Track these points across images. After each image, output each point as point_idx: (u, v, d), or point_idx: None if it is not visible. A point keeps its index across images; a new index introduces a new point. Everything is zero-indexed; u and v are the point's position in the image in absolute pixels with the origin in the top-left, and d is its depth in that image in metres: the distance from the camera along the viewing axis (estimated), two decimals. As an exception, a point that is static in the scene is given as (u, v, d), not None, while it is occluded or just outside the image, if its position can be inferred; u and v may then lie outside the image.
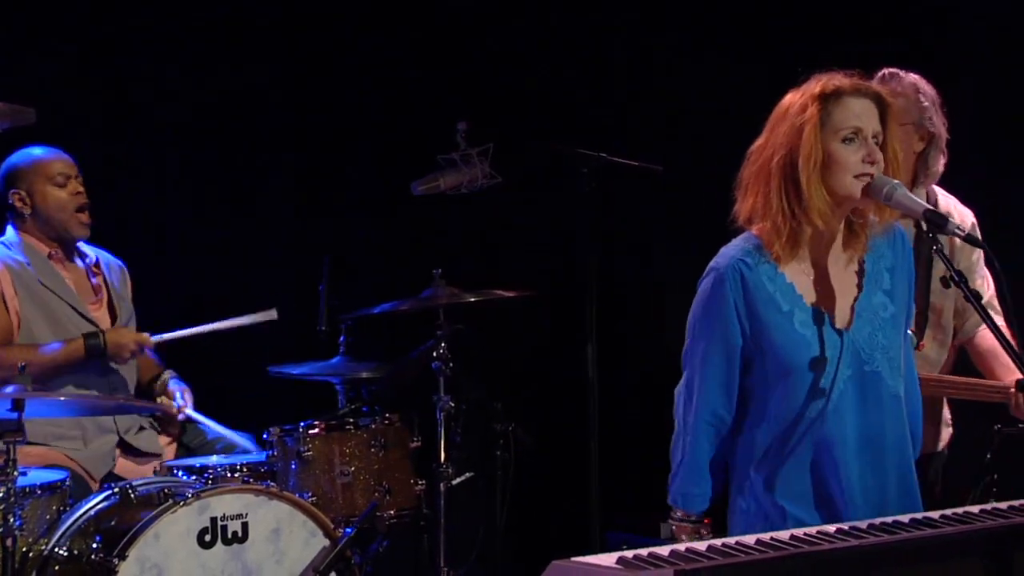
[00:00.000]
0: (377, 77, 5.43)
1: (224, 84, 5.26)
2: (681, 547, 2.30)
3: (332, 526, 3.91)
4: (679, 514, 2.86)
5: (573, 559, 2.29)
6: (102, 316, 4.34)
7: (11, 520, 3.47)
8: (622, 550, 2.54)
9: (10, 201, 4.25)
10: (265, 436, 4.19)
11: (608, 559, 2.26)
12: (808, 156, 2.68)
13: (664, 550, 2.28)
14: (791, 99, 2.77)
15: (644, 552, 2.28)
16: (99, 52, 5.01)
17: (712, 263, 2.78)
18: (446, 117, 4.98)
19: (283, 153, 5.35)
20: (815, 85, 2.74)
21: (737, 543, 2.32)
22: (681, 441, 2.85)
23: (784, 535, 2.39)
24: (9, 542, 3.46)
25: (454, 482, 4.35)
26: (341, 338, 4.66)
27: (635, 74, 5.39)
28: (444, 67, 5.40)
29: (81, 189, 4.27)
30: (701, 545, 2.32)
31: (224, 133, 5.28)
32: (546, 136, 4.90)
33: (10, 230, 4.31)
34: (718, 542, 2.34)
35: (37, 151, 4.28)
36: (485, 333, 4.80)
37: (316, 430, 4.19)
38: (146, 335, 4.26)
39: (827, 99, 2.70)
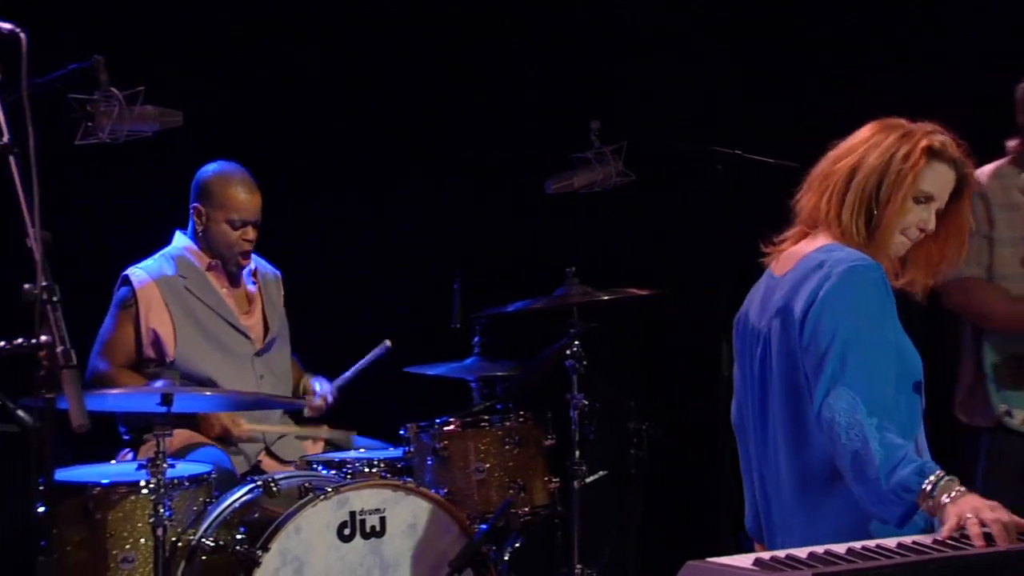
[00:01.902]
0: (511, 76, 5.46)
1: (355, 83, 5.36)
2: (819, 549, 2.29)
3: (467, 522, 3.95)
4: (930, 480, 2.43)
5: (708, 559, 2.28)
6: (254, 325, 4.42)
7: (161, 511, 3.58)
8: (757, 551, 2.54)
9: (192, 206, 4.35)
10: (402, 432, 4.25)
11: (744, 560, 2.25)
12: (898, 208, 2.69)
13: (802, 552, 2.27)
14: (892, 135, 2.73)
15: (781, 554, 2.26)
16: (235, 56, 5.14)
17: (857, 259, 2.65)
18: (580, 116, 4.99)
19: (418, 153, 5.42)
20: (923, 136, 2.72)
21: (878, 546, 2.29)
22: (874, 438, 2.48)
23: (926, 539, 2.35)
24: (160, 532, 3.57)
25: (588, 480, 4.36)
26: (475, 336, 4.71)
27: (770, 72, 5.33)
28: (578, 66, 5.41)
29: (252, 237, 4.33)
30: (840, 547, 2.29)
31: (358, 133, 5.37)
32: (681, 133, 4.87)
33: (178, 236, 4.40)
34: (858, 545, 2.31)
35: (236, 186, 4.29)
36: (618, 331, 4.80)
37: (452, 427, 4.23)
38: (241, 424, 4.27)
39: (931, 156, 2.71)
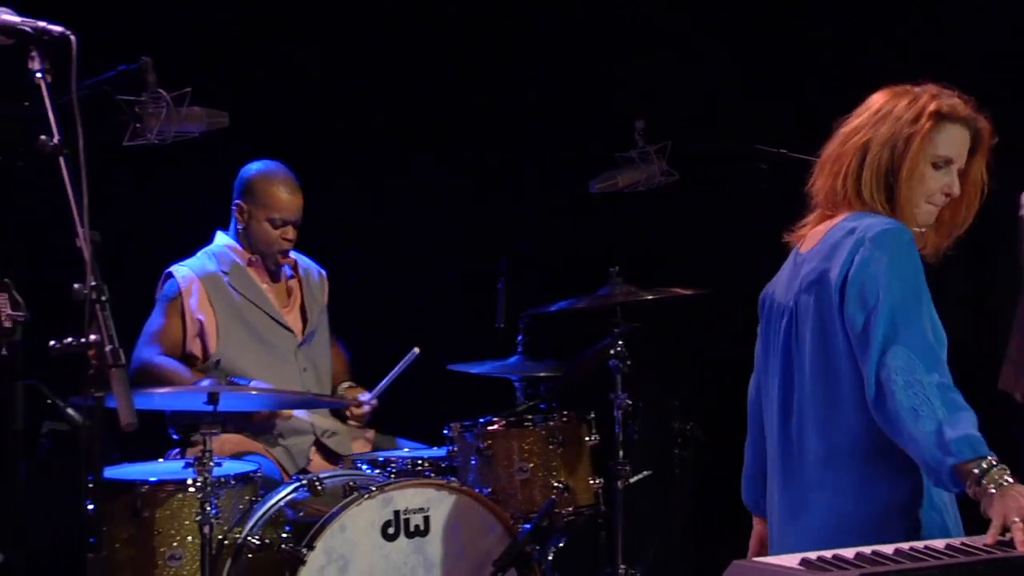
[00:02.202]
0: (556, 75, 5.46)
1: (398, 83, 5.37)
2: (867, 549, 2.27)
3: (511, 522, 3.95)
4: (981, 466, 2.37)
5: (754, 559, 2.28)
6: (294, 319, 4.46)
7: (208, 509, 3.61)
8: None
9: (235, 203, 4.40)
10: (446, 432, 4.26)
11: (791, 560, 2.24)
12: (912, 170, 2.65)
13: (848, 552, 2.25)
14: (900, 102, 2.70)
15: (828, 554, 2.25)
16: (281, 57, 5.17)
17: (889, 222, 2.60)
18: (624, 115, 4.98)
19: (462, 151, 5.43)
20: (930, 100, 2.69)
21: (926, 547, 2.27)
22: (935, 396, 2.42)
23: (975, 540, 2.33)
24: (206, 530, 3.61)
25: (631, 480, 4.36)
26: (519, 335, 4.71)
27: (815, 69, 5.30)
28: (622, 65, 5.41)
29: (292, 236, 4.36)
30: (888, 548, 2.28)
31: (402, 133, 5.39)
32: (724, 132, 4.86)
33: (219, 235, 4.44)
34: (905, 546, 2.30)
35: (279, 185, 4.33)
36: (662, 331, 4.78)
37: (495, 426, 4.24)
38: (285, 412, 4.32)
39: (939, 119, 2.67)
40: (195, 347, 4.29)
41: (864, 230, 2.59)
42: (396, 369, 4.38)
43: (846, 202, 2.70)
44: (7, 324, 2.47)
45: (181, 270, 4.33)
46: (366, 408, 4.43)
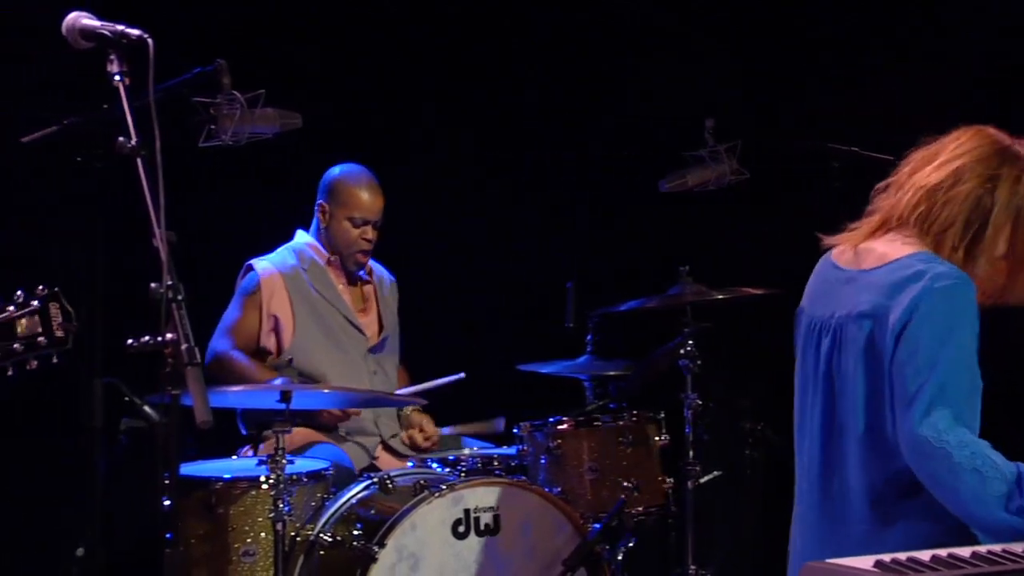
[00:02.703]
0: (626, 75, 5.45)
1: (469, 84, 5.39)
2: (942, 552, 2.24)
3: (581, 521, 3.95)
4: None
5: (828, 561, 2.25)
6: (369, 323, 4.50)
7: (281, 506, 3.65)
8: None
9: (317, 203, 4.45)
10: (515, 431, 4.27)
11: (865, 562, 2.22)
12: (1006, 237, 2.63)
13: (925, 555, 2.23)
14: (1007, 161, 2.65)
15: (903, 556, 2.23)
16: (354, 58, 5.21)
17: (957, 276, 2.56)
18: (694, 114, 4.97)
19: (532, 152, 5.44)
20: None
21: (1004, 550, 2.24)
22: (994, 457, 2.48)
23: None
24: (279, 526, 3.64)
25: (702, 480, 4.34)
26: (588, 335, 4.71)
27: (890, 66, 5.25)
28: (693, 64, 5.39)
29: (371, 237, 4.42)
30: (964, 551, 2.25)
31: (473, 134, 5.41)
32: (796, 131, 4.82)
33: (300, 233, 4.50)
34: (983, 549, 2.27)
35: (361, 186, 4.39)
36: (732, 331, 4.76)
37: (565, 426, 4.24)
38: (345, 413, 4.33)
39: None
40: (269, 342, 4.34)
41: (933, 279, 2.54)
42: (438, 381, 4.38)
43: (919, 228, 2.64)
44: (59, 334, 2.50)
45: (262, 263, 4.38)
46: (429, 443, 4.45)
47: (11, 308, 2.47)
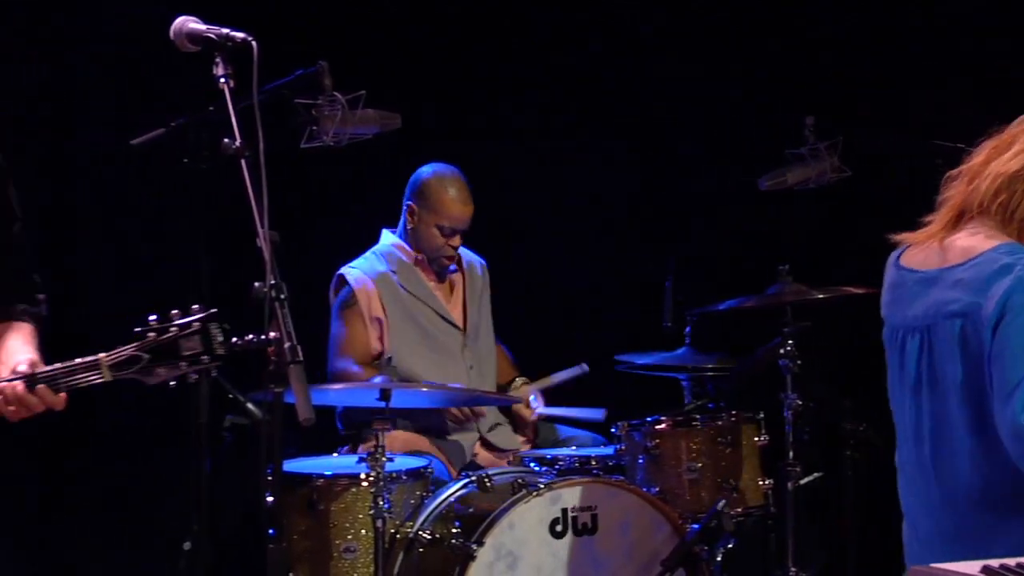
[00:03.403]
0: (726, 72, 5.42)
1: (565, 82, 5.39)
2: (1054, 559, 2.19)
3: (679, 521, 3.93)
4: None
5: (933, 565, 2.22)
6: (458, 315, 4.53)
7: (381, 503, 3.69)
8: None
9: (406, 203, 4.46)
10: (613, 430, 4.26)
11: (971, 567, 2.18)
12: None
13: (1036, 561, 2.18)
14: None
15: (1011, 562, 2.18)
16: (452, 59, 5.24)
17: None
18: (794, 111, 4.91)
19: (630, 148, 5.43)
20: None
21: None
22: None
23: None
24: (379, 523, 3.68)
25: (802, 482, 4.29)
26: (686, 335, 4.68)
27: (987, 62, 5.14)
28: (793, 60, 5.33)
29: (457, 244, 4.43)
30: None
31: (571, 130, 5.41)
32: (899, 128, 4.75)
33: (386, 234, 4.52)
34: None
35: (452, 194, 4.37)
36: (833, 330, 4.70)
37: (663, 425, 4.22)
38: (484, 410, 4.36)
39: None
40: (378, 346, 4.39)
41: (1022, 271, 2.46)
42: (561, 374, 4.38)
43: (1002, 223, 2.57)
44: (220, 352, 2.57)
45: (352, 273, 4.42)
46: (534, 417, 4.46)
47: (174, 329, 2.56)
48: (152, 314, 2.58)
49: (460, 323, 4.50)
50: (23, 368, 2.61)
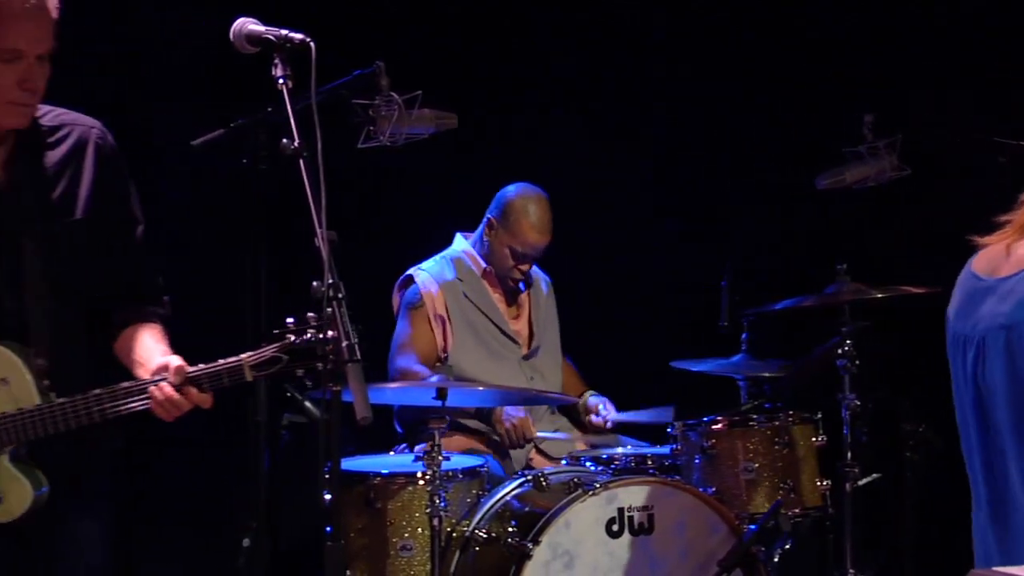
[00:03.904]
0: (782, 70, 5.39)
1: (622, 82, 5.39)
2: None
3: (736, 522, 3.92)
4: None
5: (995, 568, 2.20)
6: (520, 330, 4.53)
7: (437, 501, 3.70)
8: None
9: (488, 215, 4.46)
10: (670, 430, 4.25)
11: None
12: None
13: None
14: None
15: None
16: (510, 60, 5.25)
17: None
18: (852, 109, 4.87)
19: (687, 148, 5.41)
20: None
21: None
22: None
23: None
24: (435, 522, 3.69)
25: (860, 483, 4.25)
26: (743, 334, 4.66)
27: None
28: (851, 57, 5.29)
29: (527, 269, 4.43)
30: None
31: (626, 131, 5.40)
32: (960, 125, 4.69)
33: (459, 239, 4.54)
34: None
35: (533, 222, 4.34)
36: (892, 330, 4.65)
37: (719, 425, 4.20)
38: (532, 429, 4.33)
39: None
40: (439, 347, 4.40)
41: None
42: (646, 414, 4.37)
43: None
44: (356, 355, 2.63)
45: (421, 275, 4.44)
46: (598, 421, 4.46)
47: (311, 330, 2.63)
48: (289, 316, 2.65)
49: (524, 341, 4.50)
50: (171, 369, 2.67)
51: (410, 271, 4.46)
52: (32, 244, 2.74)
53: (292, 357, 2.63)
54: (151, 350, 2.80)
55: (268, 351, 2.63)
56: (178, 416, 2.70)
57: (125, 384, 2.70)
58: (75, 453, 2.78)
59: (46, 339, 2.74)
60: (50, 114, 2.84)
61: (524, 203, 4.38)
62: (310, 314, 2.64)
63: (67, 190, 2.81)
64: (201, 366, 2.68)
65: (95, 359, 2.88)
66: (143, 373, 2.75)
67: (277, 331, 2.65)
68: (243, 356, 2.65)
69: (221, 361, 2.66)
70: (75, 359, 2.81)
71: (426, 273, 4.43)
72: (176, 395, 2.66)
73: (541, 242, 4.38)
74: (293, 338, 2.63)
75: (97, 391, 2.69)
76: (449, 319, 4.39)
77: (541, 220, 4.37)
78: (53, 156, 2.81)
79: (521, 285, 4.54)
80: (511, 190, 4.43)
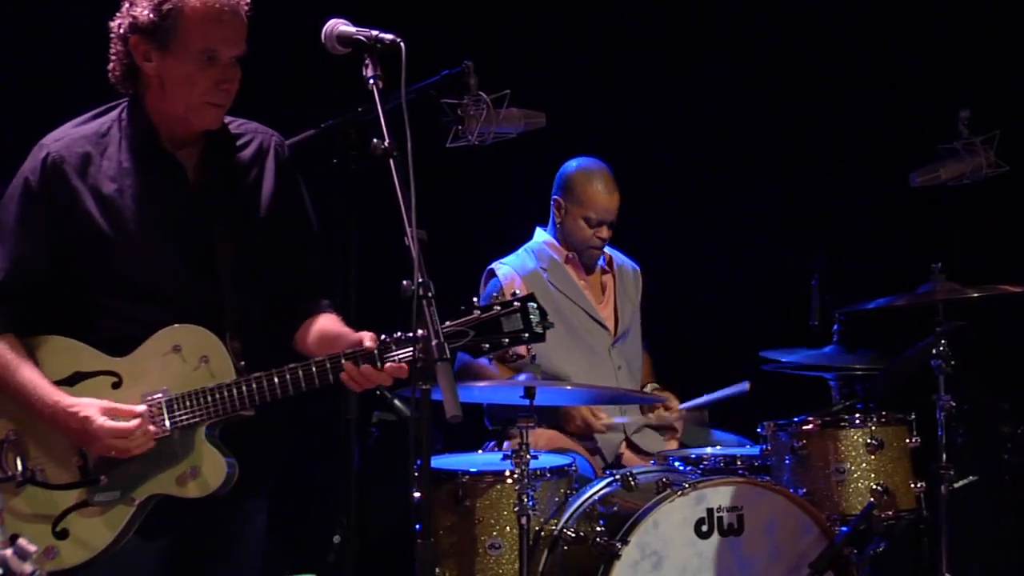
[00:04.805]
0: (875, 66, 5.32)
1: (715, 82, 5.35)
2: None
3: (828, 523, 3.87)
4: None
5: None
6: (607, 316, 4.53)
7: (525, 500, 3.70)
8: None
9: (553, 198, 4.52)
10: (759, 430, 4.21)
11: None
12: None
13: None
14: None
15: None
16: (595, 59, 5.24)
17: None
18: (948, 105, 4.78)
19: (778, 144, 5.36)
20: None
21: None
22: None
23: None
24: (524, 520, 3.69)
25: (956, 485, 4.18)
26: (834, 333, 4.60)
27: None
28: (945, 53, 5.20)
29: (605, 235, 4.46)
30: None
31: (714, 129, 5.37)
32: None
33: (538, 232, 4.57)
34: None
35: (597, 185, 4.42)
36: (988, 330, 4.57)
37: (810, 426, 4.15)
38: (601, 417, 4.33)
39: None
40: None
41: None
42: (720, 393, 4.34)
43: None
44: (539, 330, 2.73)
45: (503, 268, 4.46)
46: (675, 416, 4.43)
47: (497, 307, 2.74)
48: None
49: (611, 324, 4.50)
50: (366, 343, 2.78)
51: (492, 265, 4.49)
52: (223, 238, 2.89)
53: (477, 332, 2.73)
54: (339, 331, 2.93)
55: (454, 325, 2.73)
56: (366, 388, 2.79)
57: (318, 358, 2.80)
58: (260, 453, 2.93)
59: (240, 325, 2.88)
60: (234, 122, 3.00)
61: (584, 172, 4.45)
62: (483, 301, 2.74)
63: (251, 190, 2.97)
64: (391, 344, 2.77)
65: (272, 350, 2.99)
66: (329, 350, 2.85)
67: (464, 307, 2.75)
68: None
69: (408, 334, 2.70)
70: (261, 347, 2.94)
71: (507, 266, 4.46)
72: (371, 367, 2.75)
73: (612, 203, 4.42)
74: (478, 313, 2.73)
75: (291, 365, 2.81)
76: None
77: (606, 182, 4.43)
78: (239, 159, 2.97)
79: (602, 262, 4.52)
80: (569, 166, 4.50)
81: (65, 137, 2.90)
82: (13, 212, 2.88)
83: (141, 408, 2.81)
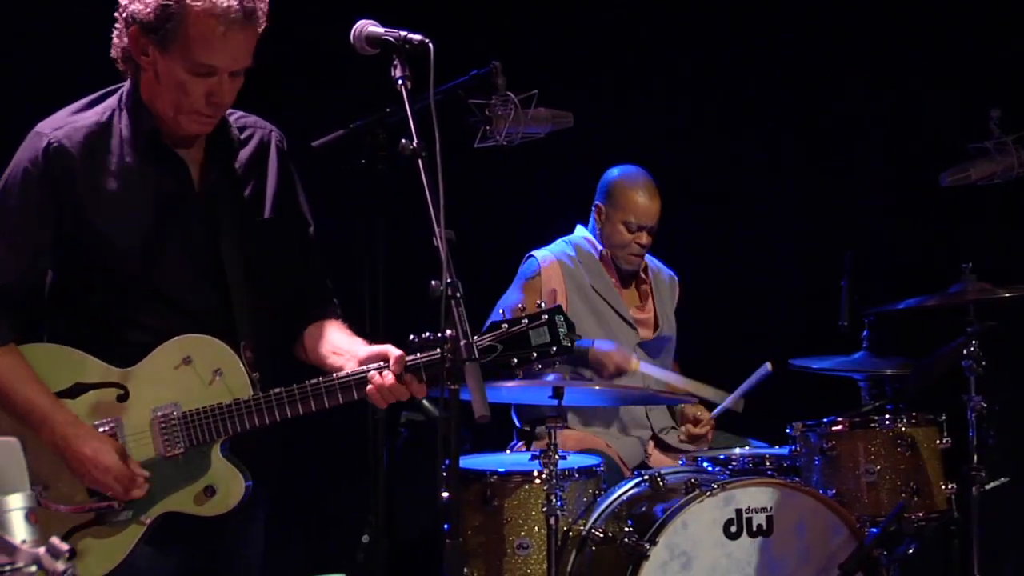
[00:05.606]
0: (904, 62, 5.29)
1: (735, 78, 5.34)
2: None
3: (857, 525, 3.85)
4: None
5: None
6: (645, 320, 4.54)
7: (553, 500, 3.70)
8: None
9: (594, 204, 4.54)
10: (789, 431, 4.20)
11: None
12: None
13: None
14: None
15: None
16: (623, 58, 5.23)
17: None
18: (978, 103, 4.75)
19: (805, 142, 5.34)
20: None
21: None
22: None
23: None
24: (552, 520, 3.69)
25: (988, 487, 4.15)
26: (864, 334, 4.58)
27: None
28: (976, 52, 5.17)
29: (645, 242, 4.46)
30: None
31: (744, 128, 5.35)
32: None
33: (579, 228, 4.60)
34: None
35: (638, 190, 4.44)
36: (1020, 330, 4.54)
37: (840, 427, 4.14)
38: (634, 363, 4.28)
39: None
40: None
41: None
42: (745, 385, 4.32)
43: None
44: (566, 343, 2.71)
45: (542, 252, 4.52)
46: (705, 429, 4.41)
47: (525, 321, 2.72)
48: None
49: (644, 327, 4.52)
50: (393, 359, 2.74)
51: (532, 252, 4.52)
52: (229, 244, 2.84)
53: (506, 346, 2.70)
54: (350, 341, 2.89)
55: (485, 339, 2.70)
56: (392, 403, 2.77)
57: (341, 374, 2.77)
58: (260, 452, 2.88)
59: (251, 334, 2.84)
60: (234, 115, 2.93)
61: (626, 178, 4.48)
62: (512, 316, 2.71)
63: (255, 190, 2.92)
64: (418, 355, 2.73)
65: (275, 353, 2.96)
66: (342, 363, 2.82)
67: (492, 323, 2.72)
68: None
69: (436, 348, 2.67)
70: (266, 354, 2.90)
71: (548, 252, 4.54)
72: (397, 383, 2.73)
73: (652, 208, 4.43)
74: (507, 327, 2.70)
75: (312, 380, 2.77)
76: (567, 297, 4.40)
77: (646, 185, 4.46)
78: (242, 157, 2.92)
79: (640, 274, 4.53)
80: (611, 172, 4.54)
81: (66, 125, 2.78)
82: (13, 206, 2.75)
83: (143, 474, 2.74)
